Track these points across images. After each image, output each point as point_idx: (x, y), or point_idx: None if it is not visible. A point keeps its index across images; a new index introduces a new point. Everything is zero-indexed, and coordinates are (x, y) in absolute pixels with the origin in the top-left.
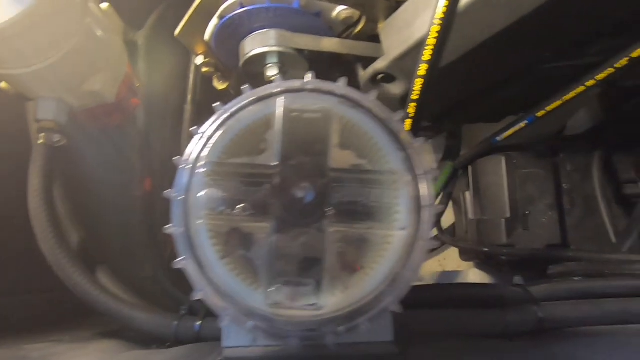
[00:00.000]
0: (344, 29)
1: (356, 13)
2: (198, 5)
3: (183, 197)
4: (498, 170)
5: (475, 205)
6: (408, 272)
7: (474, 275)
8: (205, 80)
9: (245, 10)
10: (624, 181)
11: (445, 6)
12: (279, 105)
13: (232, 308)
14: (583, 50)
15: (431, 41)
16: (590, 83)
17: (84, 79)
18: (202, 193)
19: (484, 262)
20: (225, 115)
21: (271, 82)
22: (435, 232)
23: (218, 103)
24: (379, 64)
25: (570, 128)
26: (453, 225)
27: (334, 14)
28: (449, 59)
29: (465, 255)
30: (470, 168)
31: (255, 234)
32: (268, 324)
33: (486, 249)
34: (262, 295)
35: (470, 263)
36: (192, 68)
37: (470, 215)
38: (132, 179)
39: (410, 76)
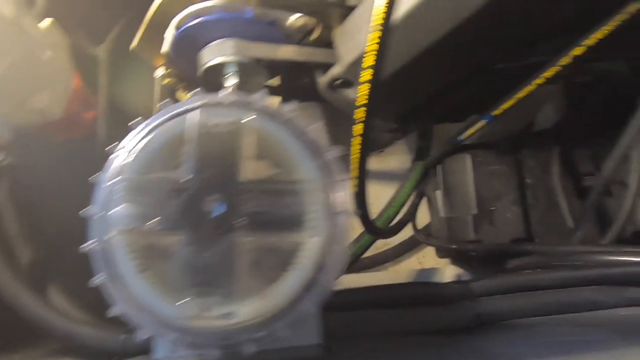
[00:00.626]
0: (301, 36)
1: (311, 20)
2: (151, 19)
3: (100, 214)
4: (464, 168)
5: (445, 203)
6: (325, 277)
7: (450, 271)
8: (170, 92)
9: (200, 22)
10: (583, 174)
11: (384, 12)
12: (193, 120)
13: (151, 321)
14: (532, 49)
15: (372, 47)
16: (539, 81)
17: (27, 97)
18: (118, 209)
19: (455, 258)
20: (143, 132)
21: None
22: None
23: (136, 120)
24: (335, 70)
25: (539, 123)
26: (429, 224)
27: (289, 22)
28: (399, 63)
29: (440, 252)
30: (440, 167)
31: (170, 247)
32: (185, 336)
33: (454, 246)
34: (177, 307)
35: (448, 260)
36: (157, 80)
37: (442, 213)
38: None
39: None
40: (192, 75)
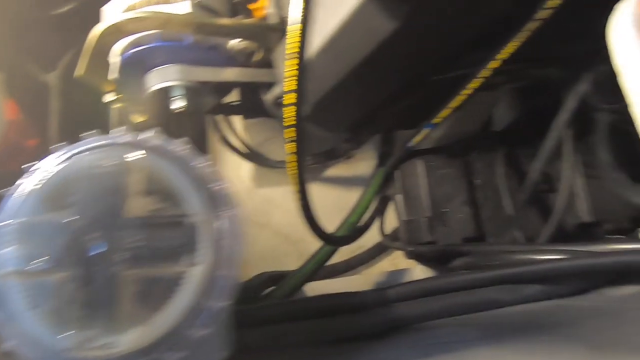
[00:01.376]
0: (244, 58)
1: (252, 44)
2: (93, 47)
3: None
4: (417, 173)
5: (404, 207)
6: (212, 302)
7: (420, 271)
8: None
9: (141, 50)
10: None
11: (298, 41)
12: (82, 162)
13: (41, 355)
14: (458, 62)
15: (291, 73)
16: (467, 92)
17: None
18: (8, 250)
19: (419, 259)
20: (35, 174)
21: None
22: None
23: (27, 164)
24: (277, 89)
25: (495, 124)
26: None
27: (230, 45)
28: (329, 83)
29: (406, 254)
30: (398, 172)
31: (57, 284)
32: None
33: (411, 248)
34: (61, 340)
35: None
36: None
37: (402, 217)
38: None
39: (308, 97)
40: (141, 98)
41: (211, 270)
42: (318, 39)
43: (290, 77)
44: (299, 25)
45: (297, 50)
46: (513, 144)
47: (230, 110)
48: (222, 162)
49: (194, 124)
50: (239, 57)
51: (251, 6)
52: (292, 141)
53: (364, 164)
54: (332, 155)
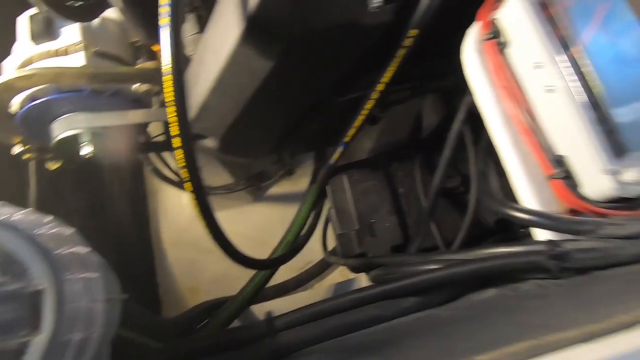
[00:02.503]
0: (150, 99)
1: (153, 86)
2: None
3: None
4: (343, 188)
5: (337, 221)
6: None
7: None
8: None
9: (39, 102)
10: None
11: (172, 92)
12: None
13: None
14: (353, 86)
15: (172, 119)
16: (365, 112)
17: None
18: None
19: (358, 271)
20: None
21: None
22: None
23: None
24: None
25: (424, 130)
26: None
27: (134, 88)
28: (228, 118)
29: (347, 267)
30: (329, 188)
31: None
32: None
33: (343, 262)
34: None
35: None
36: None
37: (336, 231)
38: None
39: (213, 133)
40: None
41: (56, 335)
42: (207, 81)
43: (172, 122)
44: (170, 77)
45: (172, 98)
46: (430, 150)
47: (155, 147)
48: (163, 192)
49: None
50: (144, 99)
51: (155, 48)
52: (187, 180)
53: (305, 179)
54: (264, 178)
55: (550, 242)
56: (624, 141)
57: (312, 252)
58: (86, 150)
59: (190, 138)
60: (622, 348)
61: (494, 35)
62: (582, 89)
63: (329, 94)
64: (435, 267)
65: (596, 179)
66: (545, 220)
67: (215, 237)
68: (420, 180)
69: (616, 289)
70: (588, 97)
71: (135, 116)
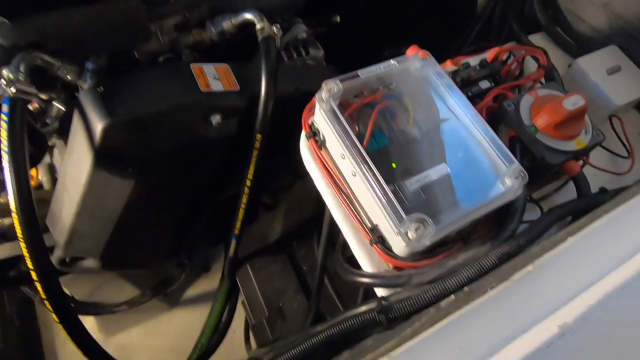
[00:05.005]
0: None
1: None
2: None
3: None
4: (248, 278)
5: (250, 313)
6: None
7: None
8: None
9: None
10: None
11: (19, 228)
12: None
13: None
14: (226, 185)
15: (25, 252)
16: (244, 205)
17: None
18: None
19: None
20: None
21: None
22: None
23: None
24: (57, 252)
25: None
26: None
27: None
28: (103, 237)
29: None
30: (237, 279)
31: None
32: None
33: (258, 355)
34: None
35: None
36: None
37: (251, 322)
38: None
39: (91, 253)
40: None
41: None
42: (72, 206)
43: (26, 257)
44: (15, 215)
45: (21, 235)
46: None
47: (22, 280)
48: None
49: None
50: (9, 232)
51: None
52: (51, 311)
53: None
54: (170, 282)
55: (379, 298)
56: (406, 209)
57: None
58: None
59: (45, 268)
60: None
61: (314, 134)
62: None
63: (203, 196)
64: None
65: (395, 240)
66: (374, 280)
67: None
68: (321, 254)
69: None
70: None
71: (4, 250)
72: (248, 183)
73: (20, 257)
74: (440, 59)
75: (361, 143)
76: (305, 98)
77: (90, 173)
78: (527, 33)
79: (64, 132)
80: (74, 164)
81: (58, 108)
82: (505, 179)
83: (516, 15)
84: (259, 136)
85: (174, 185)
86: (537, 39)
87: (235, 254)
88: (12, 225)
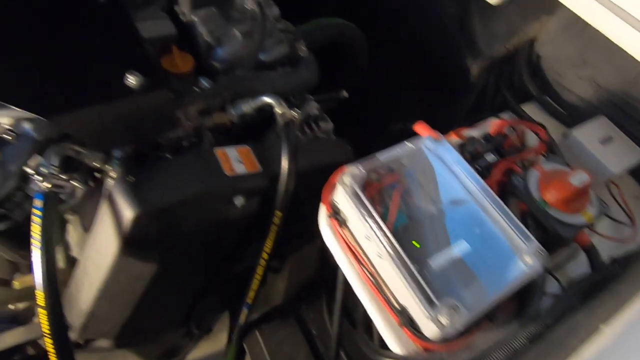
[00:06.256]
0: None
1: (33, 303)
2: None
3: None
4: (258, 343)
5: None
6: None
7: None
8: None
9: None
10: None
11: (47, 327)
12: None
13: None
14: (241, 257)
15: (50, 349)
16: (259, 277)
17: None
18: None
19: None
20: None
21: None
22: None
23: None
24: (72, 335)
25: None
26: None
27: (8, 310)
28: (120, 318)
29: None
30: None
31: None
32: None
33: None
34: None
35: None
36: None
37: None
38: None
39: (106, 335)
40: None
41: None
42: (92, 290)
43: (51, 353)
44: (44, 311)
45: (48, 331)
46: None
47: None
48: None
49: None
50: (22, 316)
51: None
52: None
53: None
54: (176, 352)
55: None
56: (435, 291)
57: None
58: None
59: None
60: None
61: (336, 213)
62: (399, 254)
63: (218, 268)
64: None
65: (426, 324)
66: None
67: None
68: (330, 318)
69: None
70: (404, 261)
71: (16, 336)
72: (265, 256)
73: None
74: (438, 128)
75: (385, 224)
76: (319, 172)
77: (115, 259)
78: (520, 101)
79: (80, 209)
80: (98, 249)
81: (76, 187)
82: (526, 258)
83: (508, 85)
84: (278, 213)
85: (192, 263)
86: (529, 108)
87: (246, 322)
88: (26, 309)
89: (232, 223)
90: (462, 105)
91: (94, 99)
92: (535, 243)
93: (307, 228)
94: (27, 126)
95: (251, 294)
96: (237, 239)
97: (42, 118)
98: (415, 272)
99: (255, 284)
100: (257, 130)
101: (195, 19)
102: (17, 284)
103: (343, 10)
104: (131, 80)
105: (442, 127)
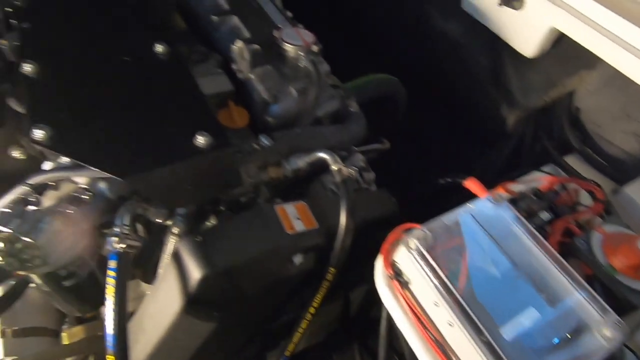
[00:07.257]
0: None
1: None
2: None
3: None
4: None
5: None
6: None
7: None
8: None
9: None
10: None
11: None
12: None
13: None
14: (286, 310)
15: None
16: (302, 330)
17: None
18: None
19: None
20: None
21: None
22: None
23: None
24: None
25: None
26: None
27: None
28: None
29: None
30: None
31: None
32: None
33: None
34: None
35: None
36: None
37: None
38: None
39: None
40: None
41: None
42: (147, 346)
43: None
44: None
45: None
46: (364, 334)
47: None
48: None
49: None
50: None
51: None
52: None
53: None
54: None
55: None
56: None
57: None
58: None
59: None
60: None
61: (398, 275)
62: (474, 323)
63: (267, 322)
64: None
65: None
66: None
67: None
68: None
69: None
70: (480, 330)
71: None
72: (312, 310)
73: None
74: (476, 177)
75: (456, 290)
76: (367, 225)
77: (177, 317)
78: (561, 153)
79: (136, 263)
80: (159, 306)
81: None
82: (605, 331)
83: (547, 135)
84: (332, 270)
85: (245, 319)
86: (571, 160)
87: None
88: None
89: (288, 280)
90: (498, 155)
91: (166, 160)
92: (614, 315)
93: (346, 279)
94: (102, 186)
95: (291, 347)
96: (288, 295)
97: (117, 178)
98: (494, 343)
99: (296, 337)
100: (298, 182)
101: (252, 76)
102: (65, 336)
103: (383, 62)
104: (200, 140)
105: (478, 177)
